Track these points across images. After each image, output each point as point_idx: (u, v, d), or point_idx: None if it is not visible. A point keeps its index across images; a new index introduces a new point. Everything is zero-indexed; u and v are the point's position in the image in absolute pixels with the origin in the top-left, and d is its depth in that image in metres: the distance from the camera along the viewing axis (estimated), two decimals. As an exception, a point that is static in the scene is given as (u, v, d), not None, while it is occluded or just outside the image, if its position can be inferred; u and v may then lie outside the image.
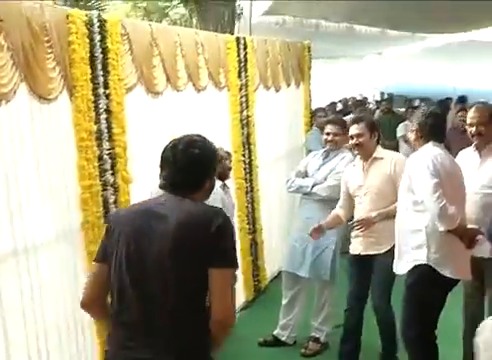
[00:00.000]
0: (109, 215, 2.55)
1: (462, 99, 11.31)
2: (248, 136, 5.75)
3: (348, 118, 6.37)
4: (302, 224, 4.72)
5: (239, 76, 5.53)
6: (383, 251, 4.04)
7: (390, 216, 3.89)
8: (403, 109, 12.07)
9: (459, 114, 7.87)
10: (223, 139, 5.34)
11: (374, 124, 4.28)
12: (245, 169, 5.69)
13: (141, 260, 2.15)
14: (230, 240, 2.19)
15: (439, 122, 3.71)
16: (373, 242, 4.12)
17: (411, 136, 3.72)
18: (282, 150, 6.78)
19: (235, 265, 2.20)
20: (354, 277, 4.27)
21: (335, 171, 4.59)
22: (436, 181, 3.36)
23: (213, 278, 2.11)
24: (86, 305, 2.29)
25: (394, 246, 3.78)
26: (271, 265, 6.35)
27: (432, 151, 3.51)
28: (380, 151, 4.20)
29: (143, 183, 3.94)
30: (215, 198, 3.70)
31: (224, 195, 4.20)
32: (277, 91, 6.52)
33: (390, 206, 3.97)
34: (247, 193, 5.72)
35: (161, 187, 2.28)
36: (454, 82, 17.72)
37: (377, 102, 18.35)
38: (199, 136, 2.38)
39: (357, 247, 4.22)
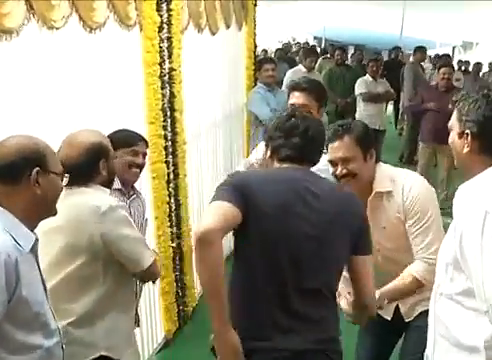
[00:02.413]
0: (238, 177, 2.04)
1: (422, 49, 9.72)
2: (172, 99, 3.91)
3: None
4: None
5: (158, 9, 3.64)
6: (420, 311, 2.59)
7: (405, 293, 2.51)
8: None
9: (442, 71, 6.29)
10: (133, 106, 3.52)
11: (368, 137, 2.50)
12: (166, 148, 3.88)
13: (293, 239, 1.97)
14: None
15: None
16: (413, 303, 2.61)
17: (458, 145, 1.91)
18: (219, 116, 4.99)
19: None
20: (370, 337, 2.80)
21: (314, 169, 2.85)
22: None
23: (360, 265, 2.09)
24: (211, 234, 1.80)
25: None
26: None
27: None
28: (383, 176, 2.49)
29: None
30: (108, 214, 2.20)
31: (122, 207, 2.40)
32: (213, 34, 4.67)
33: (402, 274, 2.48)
34: (169, 183, 3.93)
35: (285, 159, 2.10)
36: (399, 29, 16.21)
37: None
38: None
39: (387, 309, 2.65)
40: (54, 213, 1.88)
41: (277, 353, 1.93)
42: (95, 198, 2.23)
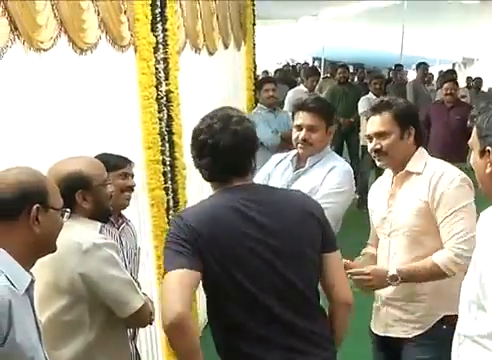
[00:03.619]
0: (185, 218, 1.86)
1: (424, 65, 9.59)
2: (169, 122, 3.74)
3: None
4: None
5: (154, 29, 3.49)
6: (414, 334, 2.43)
7: (423, 278, 2.33)
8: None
9: (445, 86, 6.14)
10: (129, 130, 3.35)
11: (409, 114, 2.48)
12: (165, 174, 3.70)
13: (264, 264, 1.88)
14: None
15: None
16: (398, 318, 2.47)
17: (480, 166, 1.67)
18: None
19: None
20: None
21: (321, 193, 2.67)
22: None
23: (330, 262, 2.00)
24: (184, 321, 1.73)
25: (436, 327, 2.39)
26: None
27: None
28: (419, 159, 2.44)
29: None
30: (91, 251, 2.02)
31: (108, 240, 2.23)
32: (211, 54, 4.53)
33: (426, 258, 2.35)
34: (168, 210, 3.74)
35: (208, 180, 2.00)
36: (399, 48, 16.15)
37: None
38: (232, 109, 2.06)
39: (375, 322, 2.59)
40: (53, 250, 1.74)
41: None
42: (79, 234, 2.04)
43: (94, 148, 2.76)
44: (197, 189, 4.33)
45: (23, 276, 1.62)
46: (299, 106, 2.89)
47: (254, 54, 5.59)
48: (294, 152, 2.94)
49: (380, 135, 2.41)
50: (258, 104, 5.44)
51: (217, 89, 4.76)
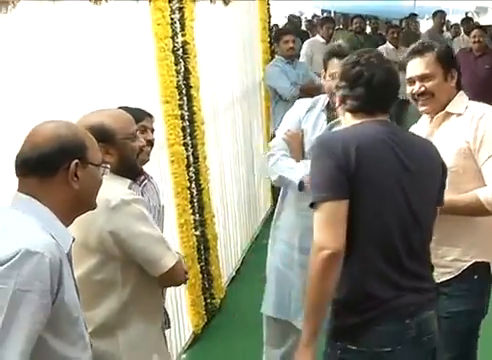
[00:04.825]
0: (334, 144, 1.89)
1: (441, 13, 9.28)
2: (187, 75, 3.60)
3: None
4: (298, 231, 2.82)
5: (167, -23, 3.32)
6: (442, 279, 2.33)
7: (462, 210, 2.27)
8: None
9: (473, 33, 5.90)
10: (146, 84, 3.21)
11: (451, 56, 2.40)
12: (184, 129, 3.57)
13: (404, 203, 1.91)
14: None
15: None
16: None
17: None
18: (236, 92, 4.67)
19: None
20: None
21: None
22: None
23: (436, 216, 2.04)
24: (341, 257, 1.84)
25: (467, 276, 2.31)
26: (228, 265, 4.40)
27: None
28: (460, 102, 2.36)
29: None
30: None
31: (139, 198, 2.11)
32: (226, 4, 4.34)
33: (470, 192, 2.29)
34: (188, 167, 3.63)
35: (351, 110, 2.00)
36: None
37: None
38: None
39: None
40: (93, 207, 1.66)
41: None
42: (108, 190, 1.91)
43: (109, 102, 2.62)
44: (216, 145, 4.21)
45: (66, 235, 1.55)
46: (334, 52, 2.77)
47: (268, 4, 5.38)
48: (322, 101, 2.81)
49: (424, 78, 2.32)
50: (276, 56, 5.27)
51: (232, 41, 4.58)
